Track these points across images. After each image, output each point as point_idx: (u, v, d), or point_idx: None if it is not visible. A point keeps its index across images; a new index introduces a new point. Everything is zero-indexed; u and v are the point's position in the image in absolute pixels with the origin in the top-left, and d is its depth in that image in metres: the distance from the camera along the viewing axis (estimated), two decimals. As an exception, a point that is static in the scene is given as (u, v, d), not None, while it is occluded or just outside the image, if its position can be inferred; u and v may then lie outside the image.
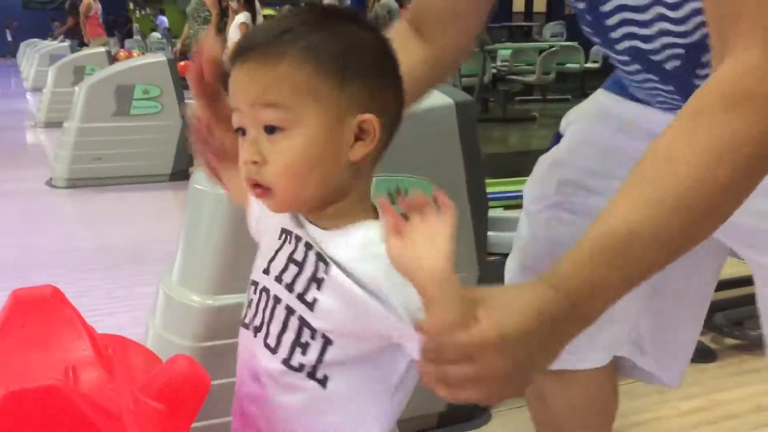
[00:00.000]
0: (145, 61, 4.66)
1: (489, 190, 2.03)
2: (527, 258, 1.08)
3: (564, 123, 1.12)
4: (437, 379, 0.56)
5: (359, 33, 0.70)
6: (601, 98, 1.05)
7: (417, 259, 0.57)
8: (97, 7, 9.40)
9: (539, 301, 0.58)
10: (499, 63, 9.45)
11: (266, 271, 0.76)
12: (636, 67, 0.88)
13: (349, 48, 0.68)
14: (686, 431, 1.74)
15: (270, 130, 0.68)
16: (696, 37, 0.77)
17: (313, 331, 0.70)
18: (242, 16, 6.40)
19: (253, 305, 0.76)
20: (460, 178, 1.60)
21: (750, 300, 2.50)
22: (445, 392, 0.57)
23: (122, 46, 13.64)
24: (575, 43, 9.92)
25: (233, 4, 6.47)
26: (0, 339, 0.71)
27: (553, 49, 8.87)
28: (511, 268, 1.11)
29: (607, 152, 0.99)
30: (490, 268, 1.68)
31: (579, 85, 10.35)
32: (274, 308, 0.73)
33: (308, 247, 0.72)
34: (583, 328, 0.61)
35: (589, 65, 10.10)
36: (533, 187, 1.09)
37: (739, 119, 0.60)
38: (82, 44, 10.31)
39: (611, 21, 0.84)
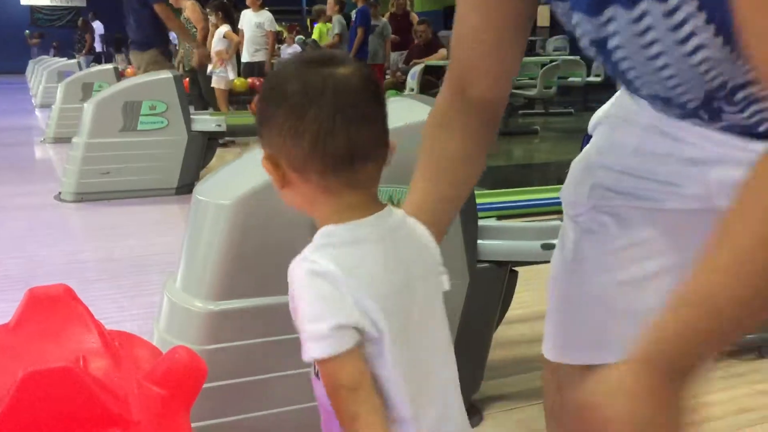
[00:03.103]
0: (151, 78, 4.75)
1: (482, 201, 2.11)
2: (570, 259, 1.06)
3: (592, 124, 1.12)
4: None
5: (268, 83, 0.84)
6: (624, 99, 1.04)
7: None
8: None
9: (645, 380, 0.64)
10: (501, 77, 9.51)
11: None
12: (656, 104, 0.91)
13: (261, 100, 0.81)
14: None
15: None
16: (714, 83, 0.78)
17: None
18: (224, 28, 6.74)
19: None
20: (450, 188, 1.67)
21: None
22: None
23: (129, 63, 13.80)
24: (577, 58, 10.00)
25: (212, 18, 6.68)
26: (17, 331, 0.79)
27: (555, 63, 8.96)
28: (556, 264, 1.10)
29: (635, 152, 0.98)
30: (480, 274, 1.75)
31: (581, 99, 10.43)
32: None
33: None
34: (692, 376, 0.66)
35: (591, 79, 10.17)
36: (568, 191, 1.09)
37: None
38: (96, 60, 10.37)
39: (629, 76, 0.86)
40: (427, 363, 0.83)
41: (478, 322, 1.78)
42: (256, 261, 1.51)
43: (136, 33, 5.43)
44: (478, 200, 1.85)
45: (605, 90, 9.05)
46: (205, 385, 1.47)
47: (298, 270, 0.77)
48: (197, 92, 6.70)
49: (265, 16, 7.47)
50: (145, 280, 2.85)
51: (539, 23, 18.16)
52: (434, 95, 1.11)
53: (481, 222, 1.80)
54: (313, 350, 0.75)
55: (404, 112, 1.65)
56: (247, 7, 7.47)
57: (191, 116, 4.67)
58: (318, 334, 0.75)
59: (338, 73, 0.77)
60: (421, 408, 0.81)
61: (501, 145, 7.60)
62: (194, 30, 6.55)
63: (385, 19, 8.32)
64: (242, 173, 1.65)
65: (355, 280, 0.77)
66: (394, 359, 0.79)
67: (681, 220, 0.95)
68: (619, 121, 1.04)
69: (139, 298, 2.69)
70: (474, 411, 1.85)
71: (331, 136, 0.76)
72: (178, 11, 6.63)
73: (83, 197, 4.44)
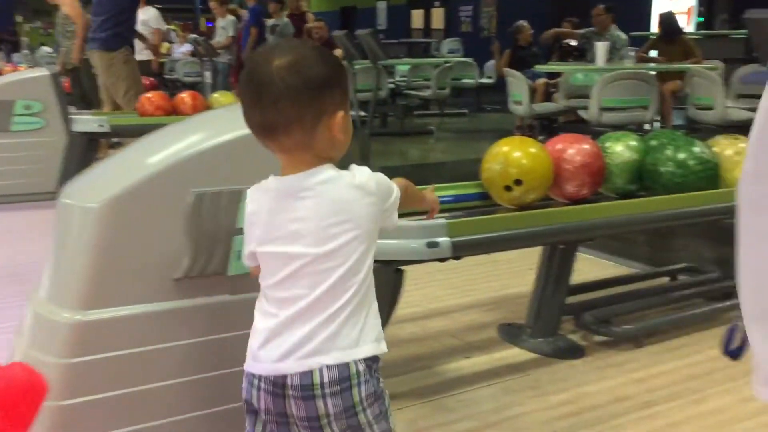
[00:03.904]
0: (26, 76, 4.48)
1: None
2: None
3: None
4: None
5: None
6: None
7: None
8: None
9: None
10: (398, 78, 9.64)
11: None
12: None
13: None
14: (553, 422, 1.84)
15: None
16: None
17: None
18: None
19: None
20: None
21: (615, 300, 2.68)
22: None
23: (9, 61, 13.01)
24: (470, 60, 10.26)
25: None
26: None
27: (449, 64, 9.14)
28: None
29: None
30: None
31: (475, 100, 10.70)
32: None
33: None
34: None
35: (483, 80, 10.47)
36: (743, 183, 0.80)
37: None
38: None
39: None
40: (290, 300, 1.05)
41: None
42: (128, 267, 1.43)
43: (101, 30, 4.85)
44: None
45: (496, 91, 9.34)
46: (74, 401, 1.39)
47: None
48: (79, 92, 6.35)
49: (150, 12, 7.20)
50: (14, 291, 2.66)
51: (434, 26, 18.57)
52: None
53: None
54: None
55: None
56: None
57: (71, 116, 4.43)
58: (243, 255, 1.14)
59: (270, 64, 1.00)
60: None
61: (397, 146, 7.68)
62: (71, 27, 6.12)
63: (286, 19, 8.21)
64: (112, 174, 1.56)
65: (256, 218, 1.08)
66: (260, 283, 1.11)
67: None
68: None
69: (8, 310, 2.50)
70: (362, 412, 1.83)
71: (249, 113, 1.05)
72: (55, 7, 6.25)
73: (-51, 203, 4.14)
